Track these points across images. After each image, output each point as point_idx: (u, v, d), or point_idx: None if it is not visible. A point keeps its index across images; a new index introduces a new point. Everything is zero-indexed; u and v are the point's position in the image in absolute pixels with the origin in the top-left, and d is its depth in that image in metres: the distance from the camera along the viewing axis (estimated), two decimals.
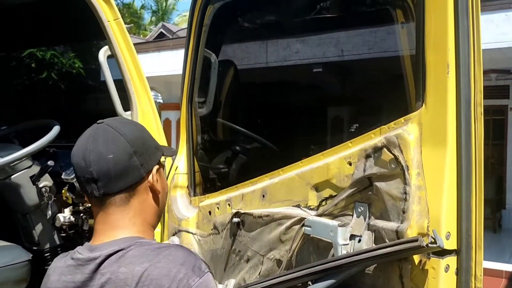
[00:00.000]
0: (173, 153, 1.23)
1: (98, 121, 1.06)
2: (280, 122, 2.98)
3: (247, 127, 2.42)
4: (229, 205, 1.84)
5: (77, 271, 0.99)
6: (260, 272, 1.63)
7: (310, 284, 1.34)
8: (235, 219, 1.73)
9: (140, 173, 1.03)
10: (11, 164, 2.05)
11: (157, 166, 1.07)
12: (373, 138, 1.30)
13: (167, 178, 2.11)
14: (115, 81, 2.17)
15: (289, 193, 1.57)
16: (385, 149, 1.24)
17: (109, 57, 2.10)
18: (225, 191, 1.89)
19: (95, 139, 1.01)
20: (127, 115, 2.14)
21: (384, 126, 1.28)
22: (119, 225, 1.02)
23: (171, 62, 7.60)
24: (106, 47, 2.08)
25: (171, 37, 10.46)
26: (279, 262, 1.56)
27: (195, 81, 2.10)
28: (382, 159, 1.25)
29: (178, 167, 2.14)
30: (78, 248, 1.04)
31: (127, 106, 2.20)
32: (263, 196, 1.68)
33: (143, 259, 0.95)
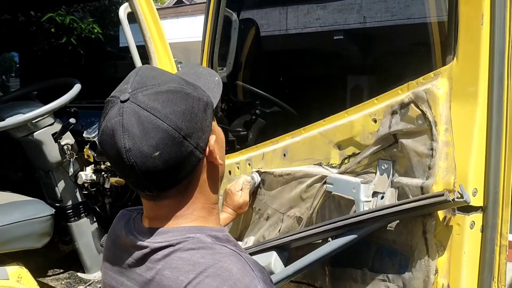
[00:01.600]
0: (220, 90, 0.91)
1: (121, 97, 0.78)
2: (299, 87, 2.94)
3: (267, 89, 2.40)
4: (249, 164, 1.84)
5: (127, 249, 0.88)
6: (280, 229, 1.64)
7: (331, 240, 1.35)
8: (256, 178, 1.73)
9: (197, 156, 0.82)
10: (34, 121, 2.07)
11: (212, 137, 0.85)
12: (400, 94, 1.26)
13: None
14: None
15: (310, 152, 1.56)
16: (412, 105, 1.21)
17: (130, 16, 2.08)
18: (246, 151, 1.89)
19: (129, 131, 0.76)
20: None
21: (412, 81, 1.24)
22: (175, 215, 0.85)
23: (190, 29, 7.53)
24: (126, 4, 2.05)
25: (188, 3, 10.35)
26: (299, 219, 1.56)
27: (215, 41, 2.07)
28: (409, 115, 1.22)
29: None
30: (133, 219, 0.91)
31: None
32: (284, 155, 1.67)
33: (189, 267, 0.79)
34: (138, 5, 2.03)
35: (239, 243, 1.83)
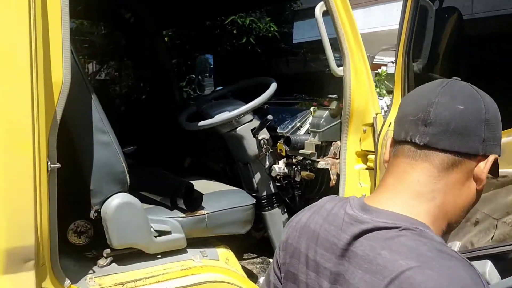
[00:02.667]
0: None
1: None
2: (505, 80, 2.65)
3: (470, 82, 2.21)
4: None
5: (341, 225, 0.85)
6: (493, 237, 1.50)
7: None
8: None
9: (477, 147, 0.82)
10: (237, 118, 2.27)
11: (495, 156, 0.85)
12: None
13: (379, 134, 2.08)
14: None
15: None
16: None
17: (324, 13, 2.12)
18: None
19: (449, 87, 0.84)
20: (340, 70, 2.15)
21: None
22: (416, 189, 0.83)
23: (362, 20, 7.40)
24: (321, 3, 2.10)
25: None
26: None
27: (413, 32, 1.98)
28: None
29: (392, 123, 2.08)
30: (351, 198, 0.89)
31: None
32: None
33: (412, 255, 0.74)
34: (333, 3, 2.06)
35: None
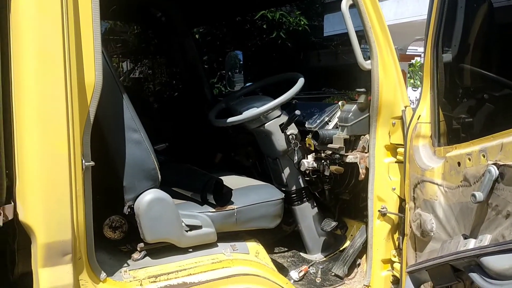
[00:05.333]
0: None
1: None
2: None
3: (499, 72, 2.15)
4: (483, 156, 1.69)
5: None
6: None
7: None
8: (494, 172, 1.58)
9: None
10: (265, 114, 2.29)
11: None
12: None
13: (408, 127, 2.06)
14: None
15: None
16: None
17: (350, 6, 2.11)
18: (478, 141, 1.74)
19: None
20: (367, 64, 2.14)
21: None
22: None
23: (395, 11, 7.25)
24: None
25: None
26: None
27: (442, 23, 1.95)
28: None
29: (421, 116, 2.05)
30: None
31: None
32: None
33: None
34: None
35: (472, 240, 1.70)
